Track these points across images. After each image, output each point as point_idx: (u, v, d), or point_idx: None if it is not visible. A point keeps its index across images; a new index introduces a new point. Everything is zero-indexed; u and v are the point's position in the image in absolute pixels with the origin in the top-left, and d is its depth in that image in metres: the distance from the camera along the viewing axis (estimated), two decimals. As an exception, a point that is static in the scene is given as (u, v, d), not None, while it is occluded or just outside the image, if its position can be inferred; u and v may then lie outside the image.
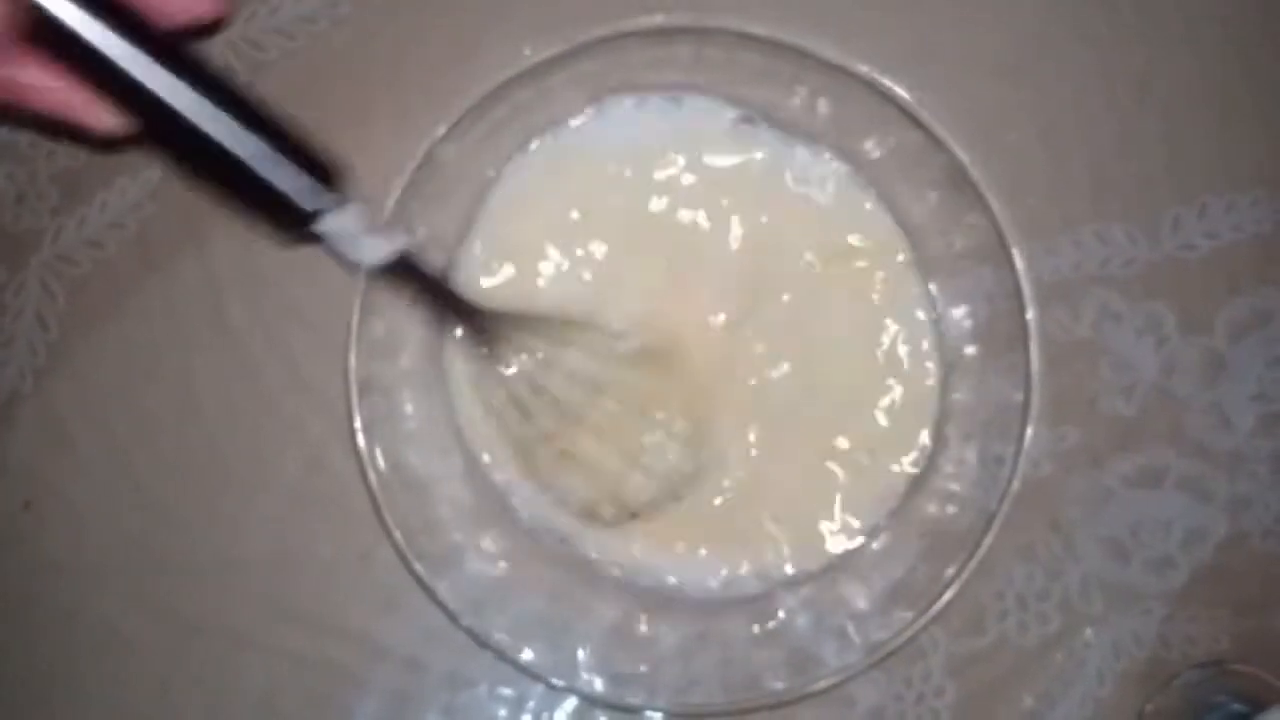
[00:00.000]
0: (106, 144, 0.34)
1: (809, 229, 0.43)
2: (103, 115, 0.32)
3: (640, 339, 0.42)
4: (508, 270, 0.42)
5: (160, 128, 0.31)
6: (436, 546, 0.41)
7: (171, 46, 0.30)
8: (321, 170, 0.32)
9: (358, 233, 0.33)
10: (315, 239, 0.33)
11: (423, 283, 0.37)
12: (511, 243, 0.43)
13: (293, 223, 0.31)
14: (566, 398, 0.40)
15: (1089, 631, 0.44)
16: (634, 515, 0.42)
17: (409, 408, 0.42)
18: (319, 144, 0.32)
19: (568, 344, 0.41)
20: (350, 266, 0.37)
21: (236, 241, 0.45)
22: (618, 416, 0.41)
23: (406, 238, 0.34)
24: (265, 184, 0.30)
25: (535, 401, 0.40)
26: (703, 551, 0.42)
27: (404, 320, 0.42)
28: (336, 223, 0.32)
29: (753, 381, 0.43)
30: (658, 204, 0.43)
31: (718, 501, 0.42)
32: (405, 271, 0.36)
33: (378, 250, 0.34)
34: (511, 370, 0.41)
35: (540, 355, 0.40)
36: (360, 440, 0.39)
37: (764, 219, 0.43)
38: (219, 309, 0.45)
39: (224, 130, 0.30)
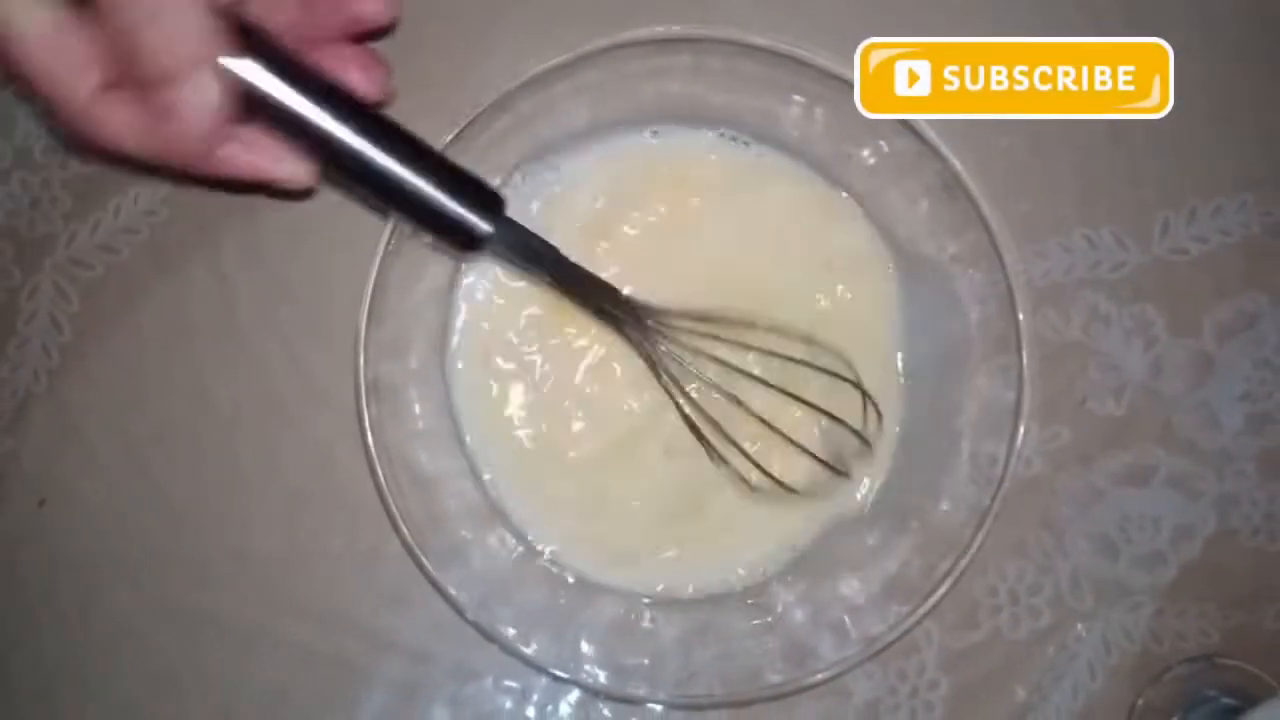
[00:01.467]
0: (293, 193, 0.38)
1: (798, 239, 0.44)
2: (294, 169, 0.35)
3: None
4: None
5: (357, 176, 0.35)
6: (443, 542, 0.41)
7: (358, 103, 0.35)
8: (486, 198, 0.37)
9: (518, 246, 0.38)
10: (482, 249, 0.38)
11: (581, 281, 0.40)
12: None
13: (468, 243, 0.36)
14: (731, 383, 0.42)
15: (1080, 626, 0.44)
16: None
17: (417, 407, 0.42)
18: (479, 178, 0.37)
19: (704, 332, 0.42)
20: (522, 270, 0.41)
21: (247, 245, 0.45)
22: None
23: (556, 248, 0.39)
24: (447, 215, 0.36)
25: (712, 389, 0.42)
26: (699, 549, 0.43)
27: (412, 322, 0.42)
28: (503, 239, 0.37)
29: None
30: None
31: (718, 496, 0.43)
32: (563, 273, 0.39)
33: (537, 258, 0.38)
34: (675, 357, 0.41)
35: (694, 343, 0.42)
36: (369, 439, 0.40)
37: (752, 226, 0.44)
38: (229, 311, 0.45)
39: (414, 176, 0.35)
